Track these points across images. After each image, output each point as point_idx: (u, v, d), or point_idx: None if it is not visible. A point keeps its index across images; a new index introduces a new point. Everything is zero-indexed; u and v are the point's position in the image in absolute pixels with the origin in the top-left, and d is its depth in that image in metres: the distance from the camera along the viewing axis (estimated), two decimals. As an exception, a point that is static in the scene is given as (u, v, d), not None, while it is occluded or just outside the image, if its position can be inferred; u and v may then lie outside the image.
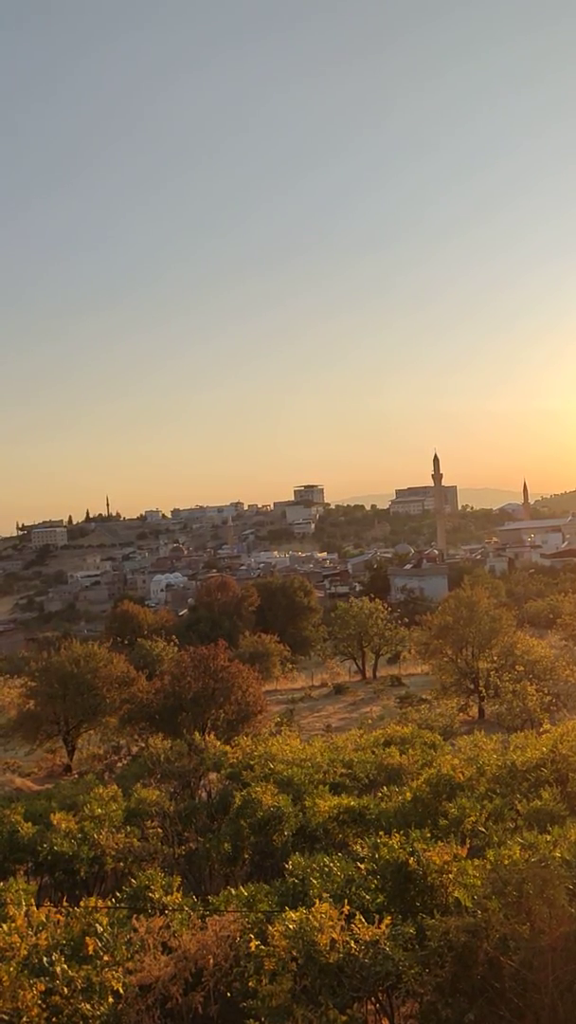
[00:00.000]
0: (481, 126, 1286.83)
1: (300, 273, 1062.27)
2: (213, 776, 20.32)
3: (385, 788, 16.36)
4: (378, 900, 9.66)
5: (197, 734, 23.81)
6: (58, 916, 10.41)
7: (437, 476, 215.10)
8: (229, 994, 9.05)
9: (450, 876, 9.72)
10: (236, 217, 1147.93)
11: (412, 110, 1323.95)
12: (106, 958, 9.19)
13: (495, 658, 34.71)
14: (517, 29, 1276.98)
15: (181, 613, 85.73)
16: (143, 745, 27.51)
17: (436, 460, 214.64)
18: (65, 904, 10.82)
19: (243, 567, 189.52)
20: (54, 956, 9.09)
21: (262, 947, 8.70)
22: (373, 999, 8.84)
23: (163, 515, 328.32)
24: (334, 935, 8.44)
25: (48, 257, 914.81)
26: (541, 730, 20.48)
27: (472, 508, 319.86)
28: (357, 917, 8.77)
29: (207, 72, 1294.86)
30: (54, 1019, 8.44)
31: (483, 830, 12.22)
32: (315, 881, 10.18)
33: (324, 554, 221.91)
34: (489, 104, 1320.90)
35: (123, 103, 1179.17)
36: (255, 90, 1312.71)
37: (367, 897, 9.67)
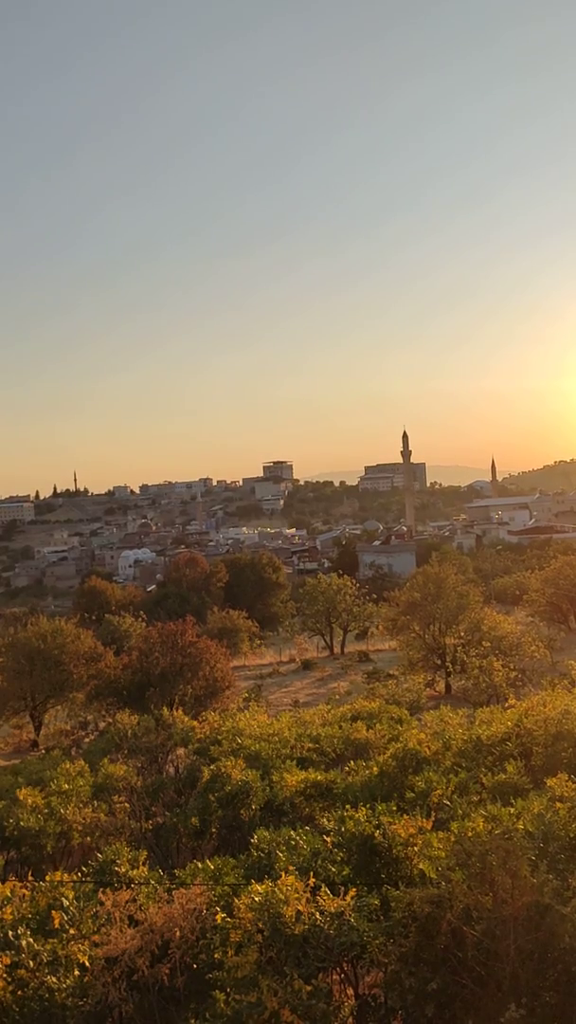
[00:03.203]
0: (478, 113, 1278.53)
1: (279, 260, 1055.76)
2: (181, 751, 20.35)
3: (352, 762, 16.45)
4: (344, 872, 9.74)
5: (165, 709, 23.80)
6: (24, 890, 10.41)
7: (406, 453, 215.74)
8: (195, 966, 9.10)
9: (415, 848, 9.82)
10: (218, 207, 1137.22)
11: (412, 94, 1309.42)
12: (72, 931, 9.20)
13: (462, 634, 35.03)
14: (515, 21, 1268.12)
15: (149, 589, 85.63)
16: (110, 721, 27.48)
17: (405, 437, 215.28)
18: (31, 879, 10.81)
19: (212, 543, 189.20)
20: (20, 930, 9.10)
21: (228, 919, 8.75)
22: (338, 969, 8.93)
23: (131, 491, 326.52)
24: (300, 907, 8.50)
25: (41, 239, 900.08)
26: (506, 705, 20.70)
27: (440, 485, 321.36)
28: (322, 889, 8.84)
29: (210, 56, 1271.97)
30: (20, 992, 8.45)
31: (448, 803, 12.34)
32: (281, 854, 10.24)
33: (293, 530, 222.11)
34: (489, 90, 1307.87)
35: (126, 85, 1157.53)
36: (260, 72, 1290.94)
37: (333, 870, 9.75)
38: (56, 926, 9.24)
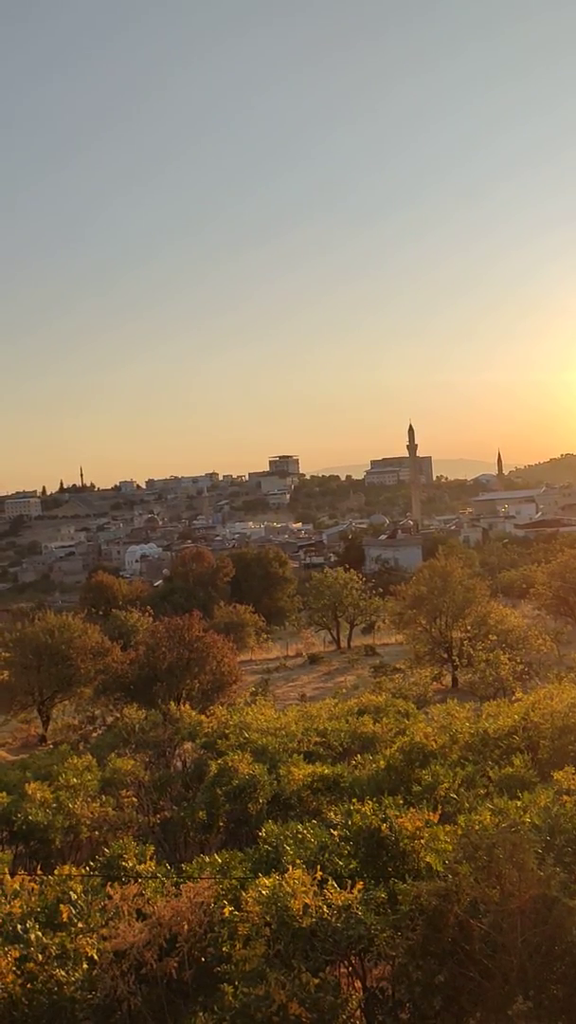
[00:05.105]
0: (478, 109, 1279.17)
1: (282, 256, 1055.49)
2: (188, 746, 20.39)
3: (359, 756, 16.50)
4: (351, 866, 9.75)
5: (172, 704, 23.87)
6: (32, 884, 10.46)
7: (412, 447, 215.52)
8: (203, 959, 9.13)
9: (422, 842, 9.83)
10: (221, 204, 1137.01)
11: (413, 91, 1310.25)
12: (80, 925, 9.25)
13: (468, 628, 35.02)
14: (514, 18, 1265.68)
15: (156, 584, 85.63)
16: (118, 715, 27.55)
17: (411, 431, 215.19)
18: (40, 873, 10.86)
19: (218, 538, 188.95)
20: (28, 923, 9.15)
21: (236, 913, 8.78)
22: (345, 962, 8.96)
23: (138, 486, 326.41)
24: (307, 900, 8.53)
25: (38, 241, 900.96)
26: (513, 698, 20.73)
27: (446, 479, 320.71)
28: (330, 883, 8.86)
29: (209, 55, 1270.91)
30: (29, 985, 8.49)
31: (455, 796, 12.36)
32: (289, 848, 10.26)
33: (299, 525, 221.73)
34: (487, 87, 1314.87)
35: (125, 84, 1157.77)
36: (259, 70, 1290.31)
37: (340, 863, 9.76)
38: (64, 920, 9.29)
